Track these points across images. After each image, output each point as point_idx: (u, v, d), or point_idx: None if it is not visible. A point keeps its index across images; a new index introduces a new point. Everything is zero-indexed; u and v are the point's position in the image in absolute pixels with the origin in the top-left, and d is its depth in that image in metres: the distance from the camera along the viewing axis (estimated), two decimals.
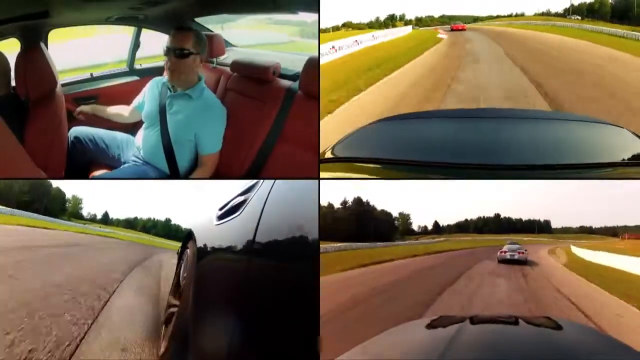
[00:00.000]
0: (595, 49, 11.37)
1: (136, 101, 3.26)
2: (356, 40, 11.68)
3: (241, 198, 1.84)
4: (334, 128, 5.11)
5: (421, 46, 12.58)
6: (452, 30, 20.86)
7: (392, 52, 11.14)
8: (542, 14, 19.60)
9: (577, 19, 17.23)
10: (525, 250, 11.08)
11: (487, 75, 8.45)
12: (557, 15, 18.67)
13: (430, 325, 1.26)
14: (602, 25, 15.10)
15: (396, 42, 13.90)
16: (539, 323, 1.25)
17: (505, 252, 10.80)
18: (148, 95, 3.09)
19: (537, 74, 8.20)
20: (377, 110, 5.84)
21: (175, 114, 2.87)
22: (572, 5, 17.25)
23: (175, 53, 2.78)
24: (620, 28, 14.32)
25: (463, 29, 20.71)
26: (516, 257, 10.49)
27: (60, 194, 26.75)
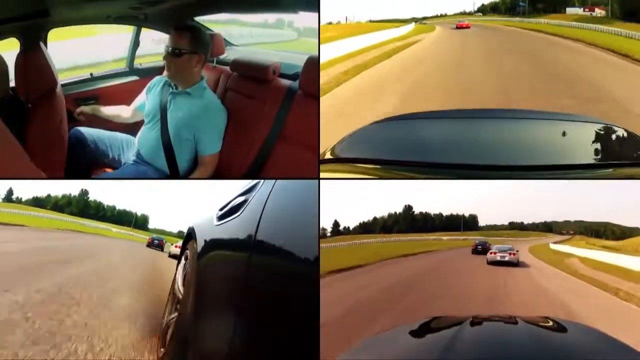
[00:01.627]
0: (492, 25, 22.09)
1: (137, 101, 3.26)
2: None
3: (241, 198, 1.83)
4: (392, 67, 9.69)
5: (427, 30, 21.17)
6: (457, 28, 21.56)
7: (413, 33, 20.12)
8: (461, 13, 27.04)
9: (480, 14, 26.10)
10: (517, 252, 10.74)
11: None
12: (469, 13, 26.70)
13: (431, 325, 1.26)
14: (495, 16, 24.59)
15: (412, 31, 21.61)
16: (542, 324, 1.24)
17: (495, 252, 10.46)
18: (150, 94, 3.09)
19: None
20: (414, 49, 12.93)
21: (176, 112, 2.88)
22: (482, 5, 26.66)
23: (169, 52, 2.81)
24: (504, 16, 24.38)
25: (467, 27, 21.47)
26: (507, 258, 10.19)
27: None
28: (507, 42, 15.22)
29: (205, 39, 2.93)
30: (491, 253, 10.59)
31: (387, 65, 10.26)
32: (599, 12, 17.42)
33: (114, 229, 32.65)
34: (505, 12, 23.76)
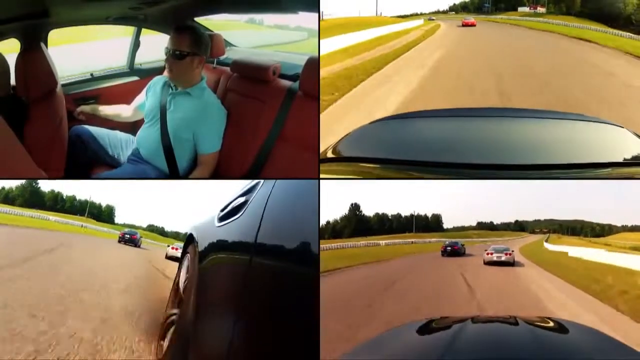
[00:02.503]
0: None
1: (138, 100, 3.26)
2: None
3: (242, 199, 1.84)
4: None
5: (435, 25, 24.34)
6: (463, 25, 21.90)
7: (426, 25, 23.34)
8: (435, 12, 30.18)
9: (453, 13, 30.07)
10: (512, 252, 10.99)
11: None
12: (444, 12, 30.27)
13: (432, 326, 1.26)
14: (465, 14, 28.51)
15: (424, 24, 24.70)
16: (543, 325, 1.24)
17: (491, 253, 10.65)
18: (150, 93, 3.09)
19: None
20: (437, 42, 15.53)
21: (175, 112, 2.88)
22: (454, 4, 30.75)
23: (172, 54, 2.81)
24: (473, 14, 28.27)
25: (473, 25, 21.84)
26: (503, 258, 10.38)
27: None
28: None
29: (205, 39, 2.94)
30: (488, 254, 10.73)
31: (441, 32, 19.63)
32: (540, 9, 24.92)
33: (52, 217, 27.94)
34: (474, 11, 29.26)
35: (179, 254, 14.51)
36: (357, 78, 8.29)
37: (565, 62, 10.95)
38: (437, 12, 29.78)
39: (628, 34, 15.35)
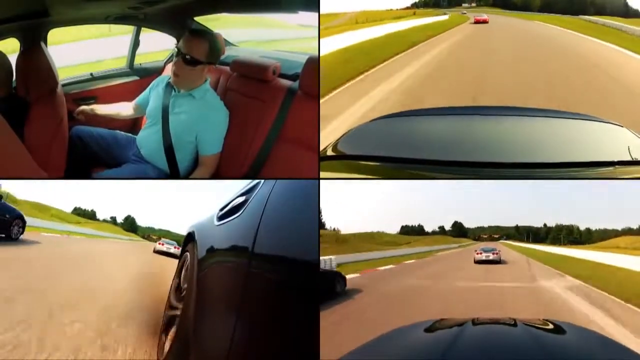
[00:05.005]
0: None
1: (140, 97, 3.24)
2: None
3: (242, 198, 1.84)
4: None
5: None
6: (475, 22, 21.77)
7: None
8: (406, 8, 32.43)
9: (422, 8, 33.18)
10: (499, 251, 12.03)
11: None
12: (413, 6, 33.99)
13: (431, 328, 1.26)
14: (424, 9, 31.77)
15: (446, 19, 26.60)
16: (541, 327, 1.25)
17: (480, 253, 11.67)
18: (152, 93, 3.08)
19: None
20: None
21: (178, 114, 2.87)
22: (416, 1, 33.49)
23: (183, 58, 2.74)
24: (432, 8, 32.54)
25: (485, 22, 21.81)
26: (491, 257, 11.47)
27: None
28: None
29: (219, 47, 2.89)
30: (477, 253, 11.73)
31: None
32: (472, 4, 35.00)
33: None
34: (432, 6, 34.68)
35: (165, 248, 14.52)
36: None
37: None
38: (408, 9, 31.67)
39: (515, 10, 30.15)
